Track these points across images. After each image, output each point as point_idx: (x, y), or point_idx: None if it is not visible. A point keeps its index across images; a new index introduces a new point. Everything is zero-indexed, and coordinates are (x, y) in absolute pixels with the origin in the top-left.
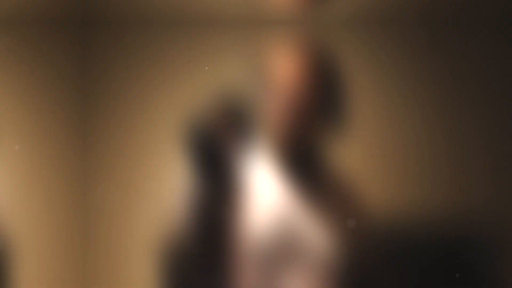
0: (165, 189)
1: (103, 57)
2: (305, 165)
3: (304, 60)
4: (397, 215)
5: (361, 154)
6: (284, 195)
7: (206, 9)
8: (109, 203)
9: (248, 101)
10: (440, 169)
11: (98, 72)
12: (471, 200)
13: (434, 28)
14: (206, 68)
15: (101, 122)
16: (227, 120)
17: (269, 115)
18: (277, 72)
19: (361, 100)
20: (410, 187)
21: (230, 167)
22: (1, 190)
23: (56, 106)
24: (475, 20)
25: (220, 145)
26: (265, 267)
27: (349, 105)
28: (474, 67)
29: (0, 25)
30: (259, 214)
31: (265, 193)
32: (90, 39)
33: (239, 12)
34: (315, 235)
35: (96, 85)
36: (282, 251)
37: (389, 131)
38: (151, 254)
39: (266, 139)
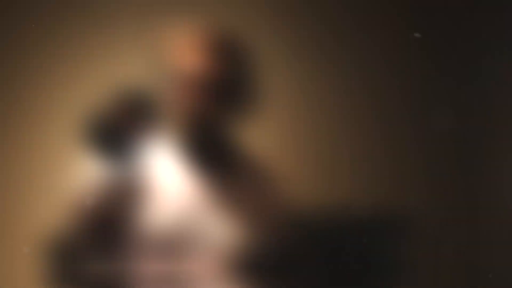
0: (60, 182)
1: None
2: (211, 151)
3: (210, 43)
4: (312, 200)
5: (273, 140)
6: (189, 183)
7: None
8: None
9: (151, 90)
10: (353, 155)
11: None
12: (383, 186)
13: (354, 11)
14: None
15: None
16: (126, 111)
17: (174, 102)
18: (180, 57)
19: (274, 85)
20: (323, 172)
21: (131, 157)
22: None
23: None
24: (400, 6)
25: (119, 136)
26: (166, 254)
27: (259, 89)
28: (400, 53)
29: None
30: (163, 204)
31: (170, 182)
32: None
33: None
34: (220, 222)
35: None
36: (184, 239)
37: (304, 116)
38: (41, 247)
39: (171, 126)
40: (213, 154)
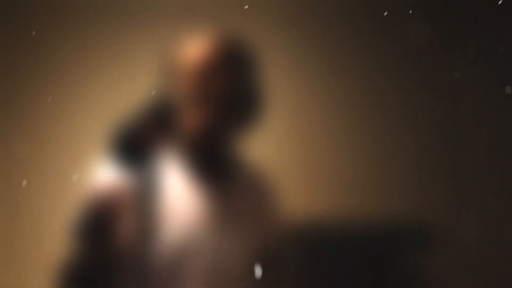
0: (84, 186)
1: (29, 56)
2: (218, 163)
3: (219, 52)
4: (315, 213)
5: (277, 151)
6: (196, 195)
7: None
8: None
9: (161, 101)
10: (360, 167)
11: (22, 71)
12: (393, 198)
13: (361, 22)
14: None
15: (23, 120)
16: (152, 121)
17: (183, 114)
18: (190, 65)
19: (279, 95)
20: (327, 184)
21: (142, 168)
22: None
23: None
24: (405, 16)
25: (142, 145)
26: (175, 271)
27: (266, 102)
28: (406, 64)
29: None
30: (172, 214)
31: (178, 193)
32: (15, 37)
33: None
34: (227, 235)
35: (19, 83)
36: (191, 253)
37: (308, 127)
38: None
39: (180, 138)
40: (220, 166)
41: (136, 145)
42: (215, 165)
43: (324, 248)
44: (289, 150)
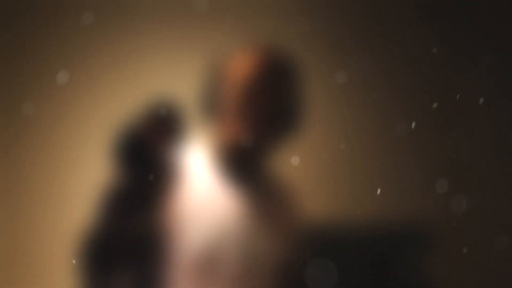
0: (89, 188)
1: (33, 56)
2: (248, 169)
3: (266, 66)
4: (340, 221)
5: (308, 160)
6: (223, 199)
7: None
8: (35, 201)
9: (188, 104)
10: (387, 176)
11: (26, 71)
12: (404, 205)
13: (400, 39)
14: None
15: (26, 122)
16: (157, 123)
17: (216, 117)
18: (228, 72)
19: (315, 106)
20: (335, 186)
21: (161, 169)
22: None
23: None
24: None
25: (148, 147)
26: (199, 271)
27: (304, 111)
28: (437, 68)
29: None
30: (196, 219)
31: (204, 196)
32: (20, 37)
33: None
34: (253, 239)
35: (22, 84)
36: (218, 255)
37: (338, 138)
38: (72, 250)
39: (208, 141)
40: (251, 175)
41: (143, 147)
42: (246, 174)
43: (331, 249)
44: (307, 155)
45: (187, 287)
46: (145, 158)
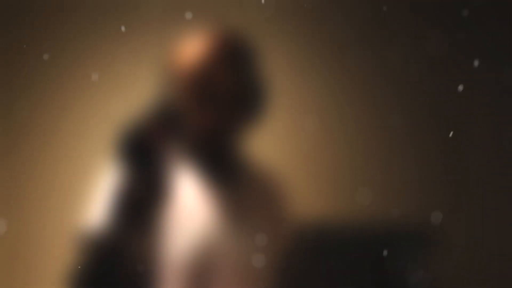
0: (92, 187)
1: (36, 58)
2: (224, 160)
3: (219, 49)
4: (320, 212)
5: (283, 150)
6: (204, 195)
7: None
8: (37, 199)
9: (168, 100)
10: (363, 167)
11: (29, 73)
12: (397, 200)
13: (362, 24)
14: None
15: (30, 122)
16: (156, 122)
17: (186, 111)
18: (190, 64)
19: (283, 93)
20: (331, 183)
21: (158, 168)
22: None
23: None
24: (404, 19)
25: (148, 147)
26: (188, 271)
27: (269, 95)
28: (404, 65)
29: None
30: (181, 218)
31: (187, 196)
32: (23, 38)
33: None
34: (233, 234)
35: (26, 85)
36: (200, 252)
37: (313, 126)
38: (73, 249)
39: (187, 137)
40: (227, 165)
41: (142, 147)
42: (222, 164)
43: (327, 248)
44: (294, 148)
45: None
46: (143, 160)
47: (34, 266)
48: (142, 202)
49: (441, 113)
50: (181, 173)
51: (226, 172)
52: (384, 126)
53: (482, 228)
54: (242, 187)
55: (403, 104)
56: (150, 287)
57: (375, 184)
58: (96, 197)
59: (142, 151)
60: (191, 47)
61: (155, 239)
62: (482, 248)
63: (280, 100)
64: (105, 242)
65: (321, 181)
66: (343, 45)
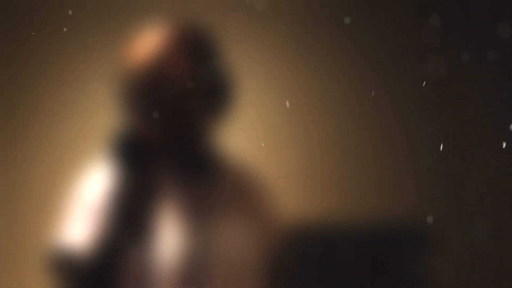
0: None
1: (33, 58)
2: (195, 159)
3: (172, 40)
4: (307, 213)
5: (249, 142)
6: (175, 198)
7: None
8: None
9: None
10: (353, 165)
11: (25, 72)
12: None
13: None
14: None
15: (25, 123)
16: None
17: (144, 109)
18: (142, 58)
19: (253, 89)
20: (318, 182)
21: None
22: None
23: None
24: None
25: (143, 151)
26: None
27: (235, 92)
28: (400, 61)
29: None
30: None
31: (159, 201)
32: (17, 38)
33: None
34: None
35: (22, 84)
36: (179, 255)
37: (295, 122)
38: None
39: (152, 136)
40: (199, 165)
41: (128, 152)
42: (194, 164)
43: (316, 249)
44: (276, 147)
45: None
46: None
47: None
48: (126, 211)
49: (440, 113)
50: (153, 177)
51: (198, 171)
52: (373, 122)
53: (482, 228)
54: (217, 187)
55: (397, 99)
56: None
57: (360, 182)
58: (73, 209)
59: (128, 156)
60: (147, 40)
61: (141, 255)
62: (482, 248)
63: (253, 95)
64: (84, 263)
65: (301, 179)
66: (315, 35)
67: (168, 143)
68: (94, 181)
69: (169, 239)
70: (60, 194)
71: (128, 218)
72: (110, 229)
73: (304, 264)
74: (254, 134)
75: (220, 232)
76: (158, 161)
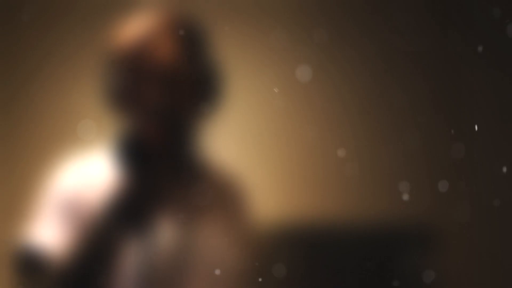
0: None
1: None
2: (178, 156)
3: (160, 27)
4: (291, 214)
5: (247, 148)
6: (156, 196)
7: None
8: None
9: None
10: (340, 165)
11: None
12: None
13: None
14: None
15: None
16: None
17: (136, 96)
18: (129, 45)
19: (244, 87)
20: (301, 183)
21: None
22: None
23: None
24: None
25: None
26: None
27: (224, 89)
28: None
29: None
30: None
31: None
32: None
33: None
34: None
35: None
36: (161, 259)
37: (278, 122)
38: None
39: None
40: (182, 162)
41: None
42: (176, 162)
43: (300, 252)
44: (258, 147)
45: None
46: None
47: None
48: (102, 210)
49: (442, 111)
50: (133, 174)
51: (181, 169)
52: (364, 120)
53: (482, 228)
54: (200, 187)
55: (385, 95)
56: None
57: (348, 183)
58: (44, 208)
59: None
60: (136, 25)
61: (115, 258)
62: (482, 248)
63: (240, 92)
64: (55, 265)
65: (289, 180)
66: (308, 28)
67: (155, 138)
68: (69, 178)
69: (150, 241)
70: (32, 191)
71: (105, 219)
72: (84, 230)
73: (287, 266)
74: (239, 135)
75: (203, 234)
76: (145, 156)
